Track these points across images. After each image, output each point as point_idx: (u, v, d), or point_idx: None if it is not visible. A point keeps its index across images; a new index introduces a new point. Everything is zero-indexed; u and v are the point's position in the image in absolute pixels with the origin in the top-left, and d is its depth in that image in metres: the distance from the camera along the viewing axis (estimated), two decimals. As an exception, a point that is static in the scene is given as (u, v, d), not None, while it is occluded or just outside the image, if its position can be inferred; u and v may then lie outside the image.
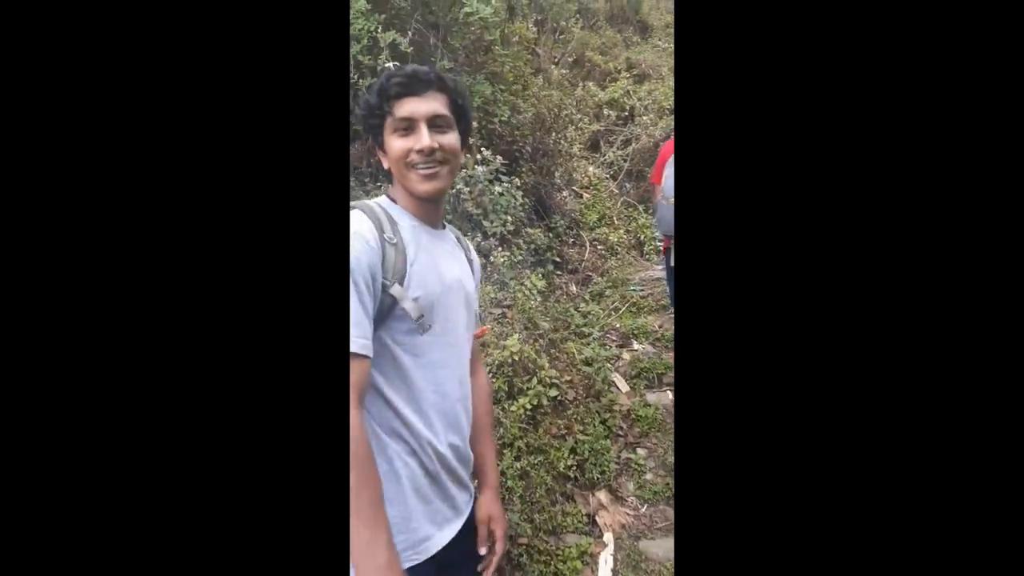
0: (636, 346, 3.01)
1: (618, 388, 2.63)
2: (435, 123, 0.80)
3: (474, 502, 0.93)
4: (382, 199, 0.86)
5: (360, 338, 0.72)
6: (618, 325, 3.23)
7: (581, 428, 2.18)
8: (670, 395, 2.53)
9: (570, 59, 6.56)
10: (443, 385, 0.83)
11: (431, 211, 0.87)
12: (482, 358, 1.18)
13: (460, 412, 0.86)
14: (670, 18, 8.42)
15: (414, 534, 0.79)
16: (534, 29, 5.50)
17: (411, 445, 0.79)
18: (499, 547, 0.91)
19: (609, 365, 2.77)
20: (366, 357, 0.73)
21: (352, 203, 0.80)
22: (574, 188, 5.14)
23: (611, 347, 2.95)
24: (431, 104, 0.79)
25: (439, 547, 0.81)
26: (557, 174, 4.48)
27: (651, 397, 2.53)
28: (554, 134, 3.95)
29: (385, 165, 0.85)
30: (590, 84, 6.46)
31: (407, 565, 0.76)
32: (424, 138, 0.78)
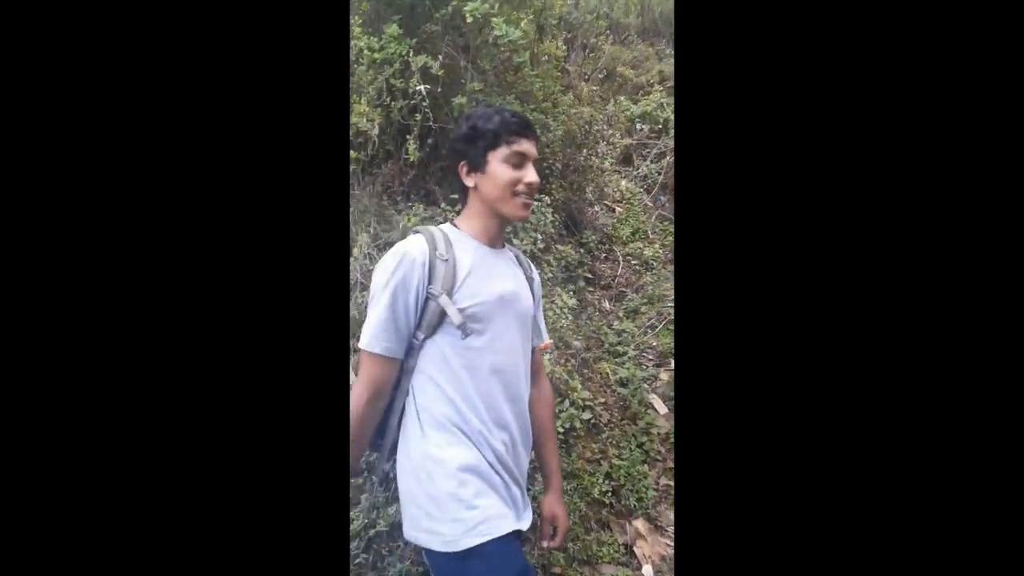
0: (674, 365, 2.89)
1: (655, 410, 2.53)
2: (535, 164, 0.96)
3: (538, 502, 1.06)
4: (446, 226, 1.00)
5: (385, 341, 0.85)
6: (655, 343, 3.13)
7: (616, 452, 2.10)
8: (711, 418, 2.40)
9: (601, 75, 6.55)
10: (491, 387, 0.91)
11: (494, 234, 1.01)
12: (545, 369, 1.23)
13: (508, 414, 0.93)
14: None
15: (487, 510, 0.84)
16: (564, 47, 5.54)
17: (471, 438, 0.89)
18: (558, 541, 1.03)
19: (646, 386, 2.67)
20: (391, 359, 0.86)
21: (416, 228, 0.95)
22: (606, 203, 5.08)
23: (647, 367, 2.85)
24: (536, 148, 0.97)
25: (510, 529, 0.86)
26: (588, 189, 4.44)
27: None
28: (584, 151, 3.92)
29: (470, 183, 0.97)
30: (622, 98, 6.42)
31: (487, 538, 0.81)
32: (533, 175, 0.94)
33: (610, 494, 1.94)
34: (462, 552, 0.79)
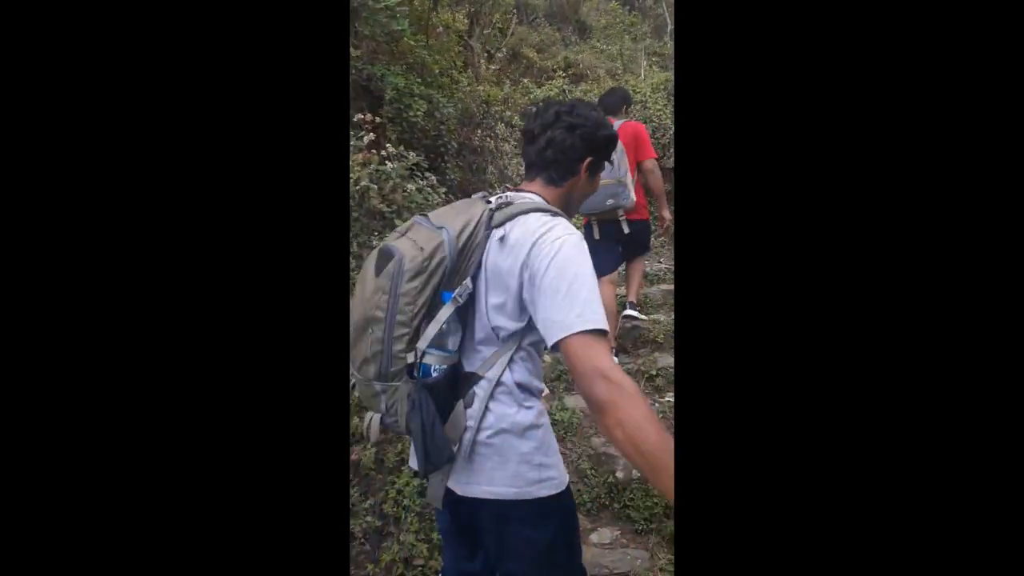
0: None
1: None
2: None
3: None
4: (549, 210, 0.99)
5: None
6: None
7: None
8: (589, 398, 2.51)
9: (504, 54, 6.48)
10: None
11: None
12: None
13: None
14: (608, 19, 8.52)
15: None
16: (465, 21, 5.37)
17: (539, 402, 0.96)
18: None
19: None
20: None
21: (540, 207, 0.93)
22: (507, 185, 5.07)
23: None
24: None
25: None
26: (489, 171, 4.40)
27: (569, 401, 2.49)
28: (480, 131, 3.83)
29: (581, 178, 0.98)
30: (525, 80, 6.41)
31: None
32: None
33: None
34: (566, 489, 0.93)
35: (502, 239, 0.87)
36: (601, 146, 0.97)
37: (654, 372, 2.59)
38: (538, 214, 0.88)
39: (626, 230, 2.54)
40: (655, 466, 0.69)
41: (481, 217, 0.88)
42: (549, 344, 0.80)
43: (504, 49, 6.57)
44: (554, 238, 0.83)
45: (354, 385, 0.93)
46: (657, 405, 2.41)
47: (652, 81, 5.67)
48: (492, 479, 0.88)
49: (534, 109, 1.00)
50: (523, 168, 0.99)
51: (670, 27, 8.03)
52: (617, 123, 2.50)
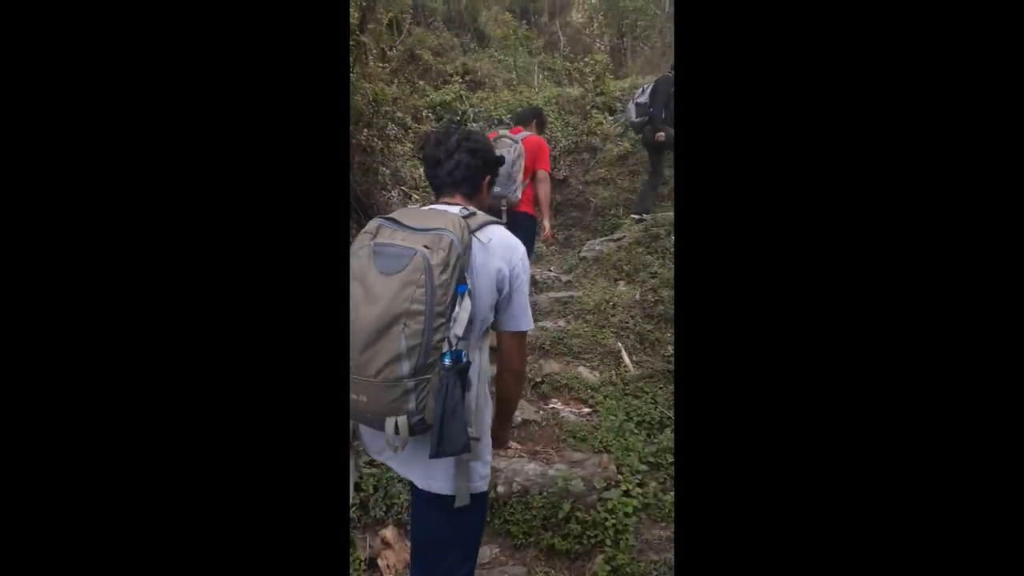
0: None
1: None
2: None
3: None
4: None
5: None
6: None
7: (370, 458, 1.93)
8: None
9: (399, 52, 6.26)
10: None
11: None
12: None
13: None
14: (506, 31, 8.68)
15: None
16: (357, 15, 5.10)
17: None
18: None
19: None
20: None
21: (490, 221, 1.08)
22: (403, 188, 4.92)
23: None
24: None
25: None
26: (381, 172, 4.19)
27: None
28: (366, 131, 3.62)
29: (485, 192, 1.18)
30: (422, 83, 6.27)
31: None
32: None
33: (356, 507, 1.77)
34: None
35: (485, 243, 1.00)
36: (495, 165, 1.17)
37: (539, 379, 2.62)
38: (500, 226, 1.07)
39: (504, 220, 2.66)
40: (507, 417, 1.13)
41: (462, 223, 0.98)
42: (506, 328, 1.04)
43: (399, 47, 6.36)
44: (523, 253, 1.06)
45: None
46: (541, 413, 2.43)
47: (545, 95, 5.88)
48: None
49: (433, 138, 1.14)
50: (419, 170, 1.31)
51: (562, 44, 8.40)
52: (524, 134, 2.86)
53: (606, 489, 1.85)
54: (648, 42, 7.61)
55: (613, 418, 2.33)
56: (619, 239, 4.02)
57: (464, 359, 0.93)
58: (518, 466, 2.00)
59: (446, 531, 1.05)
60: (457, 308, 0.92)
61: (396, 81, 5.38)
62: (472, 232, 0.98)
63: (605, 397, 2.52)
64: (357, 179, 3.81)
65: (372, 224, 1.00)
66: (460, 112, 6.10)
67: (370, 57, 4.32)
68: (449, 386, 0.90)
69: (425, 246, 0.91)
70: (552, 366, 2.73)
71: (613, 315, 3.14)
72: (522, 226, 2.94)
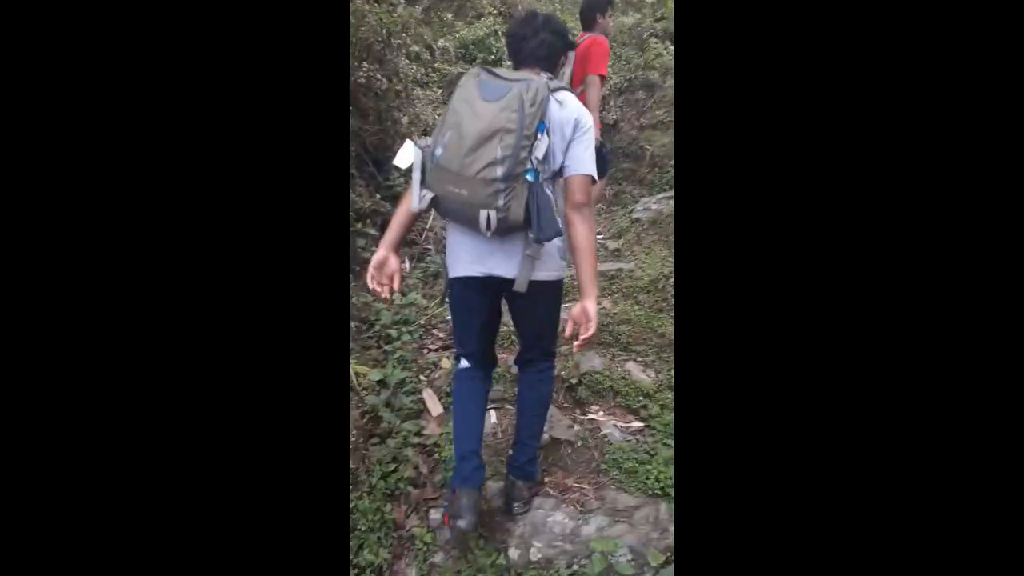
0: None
1: (428, 412, 1.95)
2: None
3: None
4: None
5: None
6: (449, 316, 2.52)
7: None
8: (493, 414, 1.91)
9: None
10: None
11: None
12: None
13: None
14: None
15: None
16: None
17: None
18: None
19: (423, 378, 2.07)
20: None
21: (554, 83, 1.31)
22: (427, 137, 4.32)
23: (428, 352, 2.24)
24: None
25: None
26: (405, 119, 3.59)
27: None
28: (365, 65, 2.98)
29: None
30: (449, 16, 5.47)
31: None
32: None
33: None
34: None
35: (560, 102, 1.22)
36: (570, 47, 1.41)
37: (575, 379, 2.02)
38: (572, 93, 1.27)
39: None
40: (587, 257, 1.25)
41: (545, 83, 1.18)
42: (569, 173, 1.23)
43: None
44: (586, 111, 1.25)
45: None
46: (576, 428, 1.84)
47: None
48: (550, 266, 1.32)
49: (519, 17, 1.40)
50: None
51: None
52: (585, 37, 2.62)
53: (664, 566, 1.26)
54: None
55: (669, 444, 1.70)
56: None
57: (540, 180, 1.16)
58: (540, 516, 1.44)
59: (542, 311, 1.39)
60: (538, 137, 1.14)
61: (421, 16, 4.63)
62: (551, 91, 1.20)
63: (662, 408, 1.89)
64: (366, 126, 3.21)
65: (475, 70, 1.21)
66: (495, 49, 5.28)
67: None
68: (537, 191, 1.15)
69: (527, 88, 1.13)
70: (593, 362, 2.12)
71: (674, 295, 2.44)
72: None
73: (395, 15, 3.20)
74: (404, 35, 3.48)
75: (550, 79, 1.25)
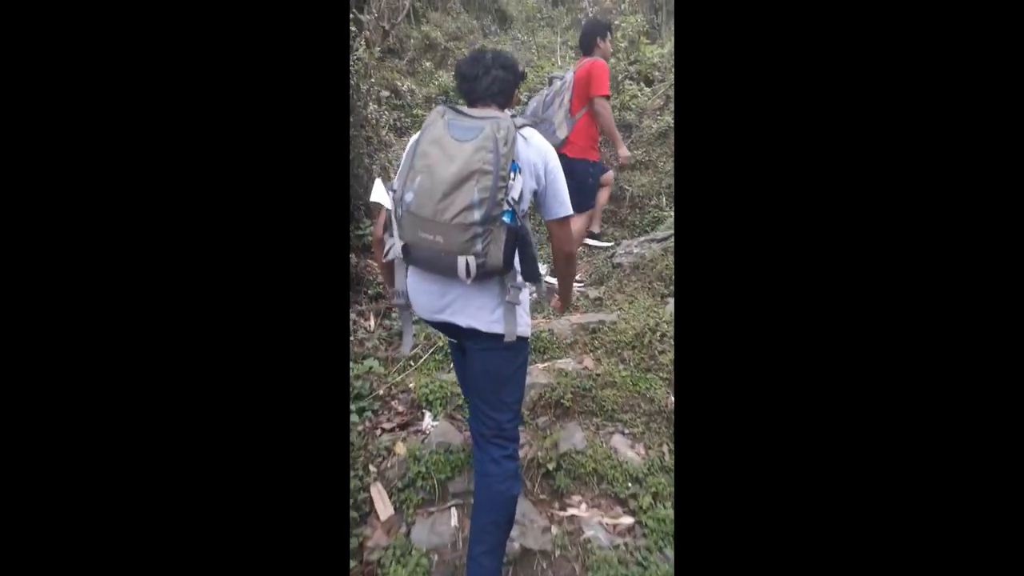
0: (431, 420, 2.01)
1: (375, 514, 1.61)
2: None
3: None
4: None
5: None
6: (411, 384, 2.21)
7: None
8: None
9: (415, 39, 5.47)
10: None
11: None
12: None
13: None
14: (531, 10, 7.88)
15: None
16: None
17: None
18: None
19: (373, 469, 1.75)
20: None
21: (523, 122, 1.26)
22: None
23: (382, 433, 1.92)
24: None
25: None
26: (372, 167, 3.42)
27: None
28: (351, 116, 2.83)
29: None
30: (428, 64, 5.45)
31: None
32: None
33: None
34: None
35: (526, 139, 1.17)
36: (521, 78, 1.31)
37: (551, 463, 1.71)
38: (530, 128, 1.21)
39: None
40: (568, 289, 1.38)
41: (511, 120, 1.13)
42: (550, 216, 1.21)
43: (416, 36, 5.61)
44: (555, 154, 1.22)
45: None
46: (553, 531, 1.52)
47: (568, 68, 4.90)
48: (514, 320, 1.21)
49: (468, 57, 1.27)
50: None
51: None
52: (585, 61, 2.53)
53: None
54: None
55: (666, 553, 1.38)
56: (664, 239, 3.03)
57: (517, 222, 1.10)
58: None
59: (504, 367, 1.23)
60: (513, 177, 1.09)
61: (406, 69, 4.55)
62: (517, 128, 1.15)
63: (655, 497, 1.58)
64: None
65: (440, 109, 1.15)
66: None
67: (364, 41, 3.52)
68: (519, 232, 1.10)
69: (497, 126, 1.08)
70: (574, 438, 1.82)
71: (663, 351, 2.17)
72: (577, 175, 2.51)
73: (355, 58, 3.06)
74: (370, 79, 3.34)
75: (514, 116, 1.19)
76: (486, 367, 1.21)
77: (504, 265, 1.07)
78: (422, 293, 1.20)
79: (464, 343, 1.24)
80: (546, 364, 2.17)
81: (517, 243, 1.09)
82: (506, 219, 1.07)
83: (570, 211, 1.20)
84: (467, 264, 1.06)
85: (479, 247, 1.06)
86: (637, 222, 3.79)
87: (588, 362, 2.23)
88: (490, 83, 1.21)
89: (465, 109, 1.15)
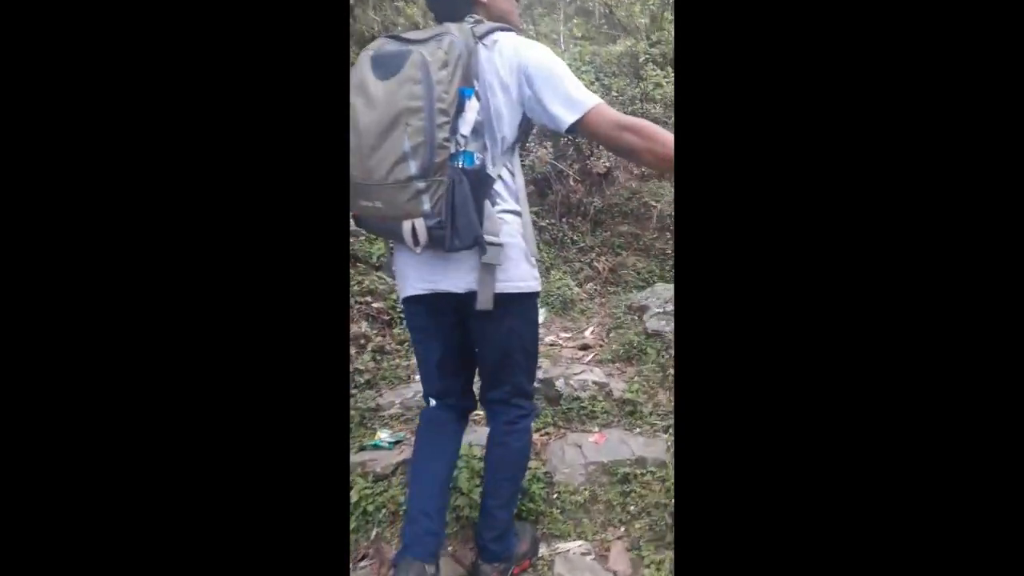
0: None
1: None
2: None
3: None
4: None
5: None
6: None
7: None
8: None
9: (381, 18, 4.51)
10: None
11: None
12: None
13: None
14: None
15: None
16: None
17: None
18: None
19: None
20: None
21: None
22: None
23: None
24: None
25: None
26: None
27: None
28: None
29: (483, 1, 1.03)
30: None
31: None
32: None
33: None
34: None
35: (490, 47, 0.87)
36: None
37: None
38: (511, 32, 0.91)
39: None
40: (668, 157, 0.85)
41: (466, 29, 0.87)
42: (567, 125, 0.86)
43: (402, 22, 4.69)
44: (535, 45, 0.90)
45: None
46: None
47: (574, 53, 3.85)
48: (513, 275, 0.94)
49: None
50: None
51: (597, 12, 6.33)
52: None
53: None
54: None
55: None
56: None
57: (476, 162, 0.86)
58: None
59: (506, 333, 0.98)
60: (466, 106, 0.83)
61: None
62: (478, 38, 0.87)
63: None
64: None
65: (376, 42, 0.90)
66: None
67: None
68: (455, 183, 0.83)
69: (436, 47, 0.82)
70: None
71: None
72: None
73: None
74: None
75: (476, 22, 0.89)
76: (497, 332, 0.96)
77: (464, 222, 0.82)
78: (409, 265, 0.95)
79: (464, 314, 0.95)
80: (538, 557, 1.16)
81: (451, 196, 0.81)
82: (464, 163, 0.83)
83: (589, 102, 0.85)
84: (413, 229, 0.84)
85: (426, 206, 0.82)
86: (668, 249, 2.77)
87: (620, 564, 1.18)
88: None
89: (406, 33, 0.87)
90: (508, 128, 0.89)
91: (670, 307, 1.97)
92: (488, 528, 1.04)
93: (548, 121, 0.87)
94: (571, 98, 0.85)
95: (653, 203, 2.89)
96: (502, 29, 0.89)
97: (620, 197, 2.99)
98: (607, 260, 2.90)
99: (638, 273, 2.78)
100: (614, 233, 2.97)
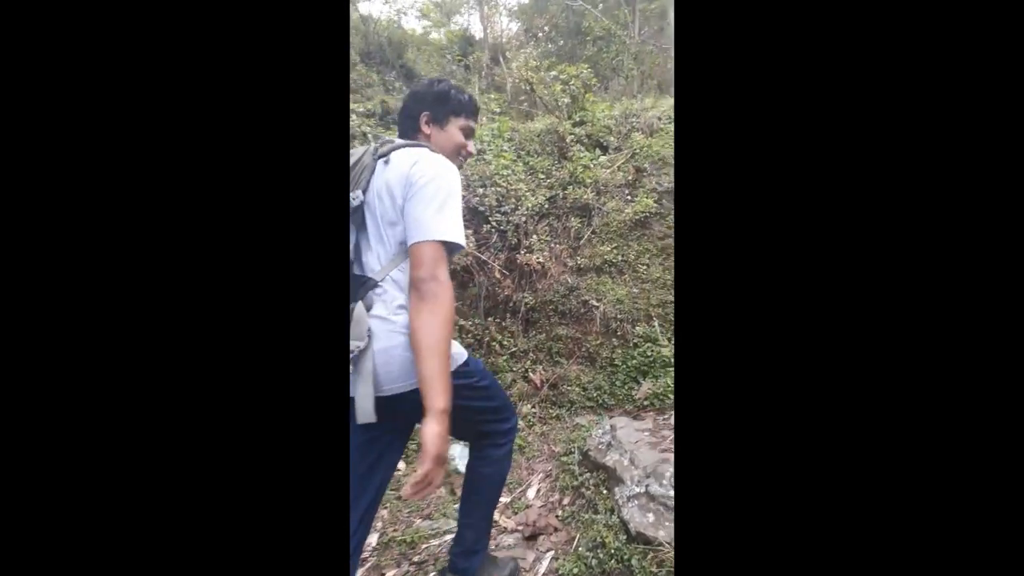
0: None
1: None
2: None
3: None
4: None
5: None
6: None
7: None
8: None
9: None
10: None
11: None
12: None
13: None
14: (441, 70, 6.88)
15: None
16: None
17: None
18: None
19: None
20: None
21: (423, 145, 1.02)
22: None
23: None
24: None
25: None
26: None
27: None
28: None
29: (426, 131, 1.06)
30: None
31: None
32: (473, 148, 1.11)
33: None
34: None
35: (386, 161, 0.96)
36: (431, 100, 1.05)
37: None
38: (411, 149, 0.97)
39: None
40: (427, 357, 0.83)
41: (368, 149, 0.98)
42: (409, 242, 0.88)
43: None
44: (433, 160, 0.93)
45: None
46: None
47: (491, 129, 3.47)
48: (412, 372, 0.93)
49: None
50: None
51: (509, 86, 6.30)
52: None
53: None
54: (622, 72, 5.55)
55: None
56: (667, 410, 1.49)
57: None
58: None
59: (476, 402, 1.04)
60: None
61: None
62: (379, 156, 0.97)
63: None
64: None
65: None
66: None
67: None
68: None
69: None
70: None
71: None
72: None
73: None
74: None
75: (384, 143, 0.99)
76: (461, 416, 0.91)
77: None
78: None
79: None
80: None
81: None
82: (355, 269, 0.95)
83: (440, 235, 0.87)
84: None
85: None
86: (619, 362, 2.27)
87: None
88: (397, 114, 1.08)
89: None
90: (401, 232, 0.91)
91: (621, 434, 1.40)
92: (457, 543, 1.15)
93: (407, 232, 0.89)
94: (421, 220, 0.87)
95: (595, 302, 2.42)
96: (410, 146, 0.97)
97: (555, 294, 2.49)
98: (544, 370, 2.33)
99: (583, 389, 2.23)
100: (550, 336, 2.44)
